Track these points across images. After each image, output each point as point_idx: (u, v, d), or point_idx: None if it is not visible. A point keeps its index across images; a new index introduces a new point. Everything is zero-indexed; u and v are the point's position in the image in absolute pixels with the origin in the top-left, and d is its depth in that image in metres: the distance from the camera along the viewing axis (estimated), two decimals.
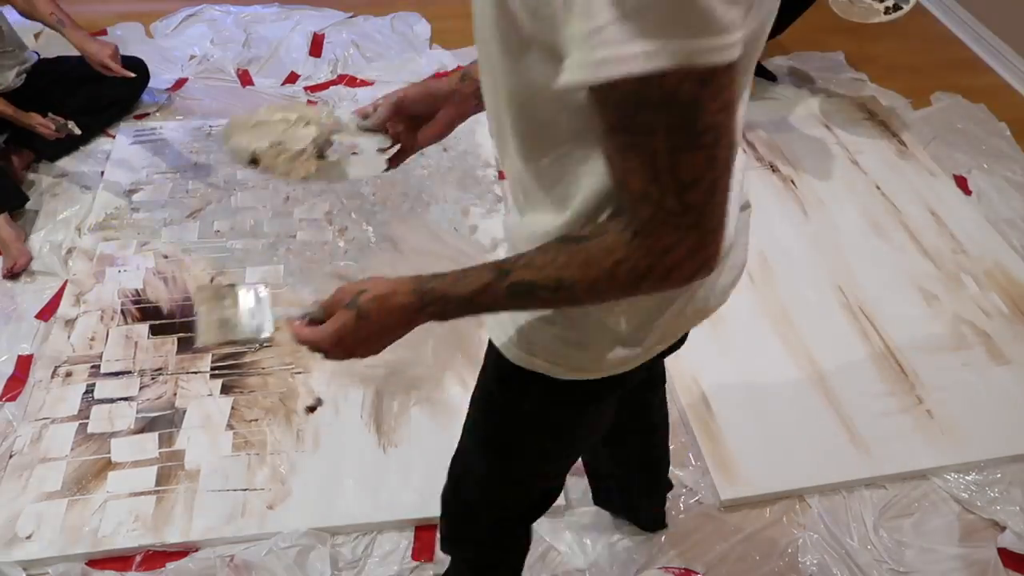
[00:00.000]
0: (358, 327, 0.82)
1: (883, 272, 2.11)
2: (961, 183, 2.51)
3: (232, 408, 1.70)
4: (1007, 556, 1.55)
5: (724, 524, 1.59)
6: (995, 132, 2.74)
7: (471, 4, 0.72)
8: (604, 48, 0.53)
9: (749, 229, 0.91)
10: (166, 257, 2.04)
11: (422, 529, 1.52)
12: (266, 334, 0.94)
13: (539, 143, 0.72)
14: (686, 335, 0.96)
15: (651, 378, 1.39)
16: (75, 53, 2.16)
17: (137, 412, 1.68)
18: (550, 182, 0.74)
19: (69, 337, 1.82)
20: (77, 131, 2.17)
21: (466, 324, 1.86)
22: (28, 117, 2.10)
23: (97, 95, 2.38)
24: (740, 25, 0.55)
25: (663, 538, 1.55)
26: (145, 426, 1.66)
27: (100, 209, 2.17)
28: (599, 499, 1.57)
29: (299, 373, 1.78)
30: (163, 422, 1.66)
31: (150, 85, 2.66)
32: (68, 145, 2.33)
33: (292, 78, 2.79)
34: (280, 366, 1.79)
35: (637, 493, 1.53)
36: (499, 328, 0.88)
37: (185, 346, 1.82)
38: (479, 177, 2.33)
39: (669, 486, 1.57)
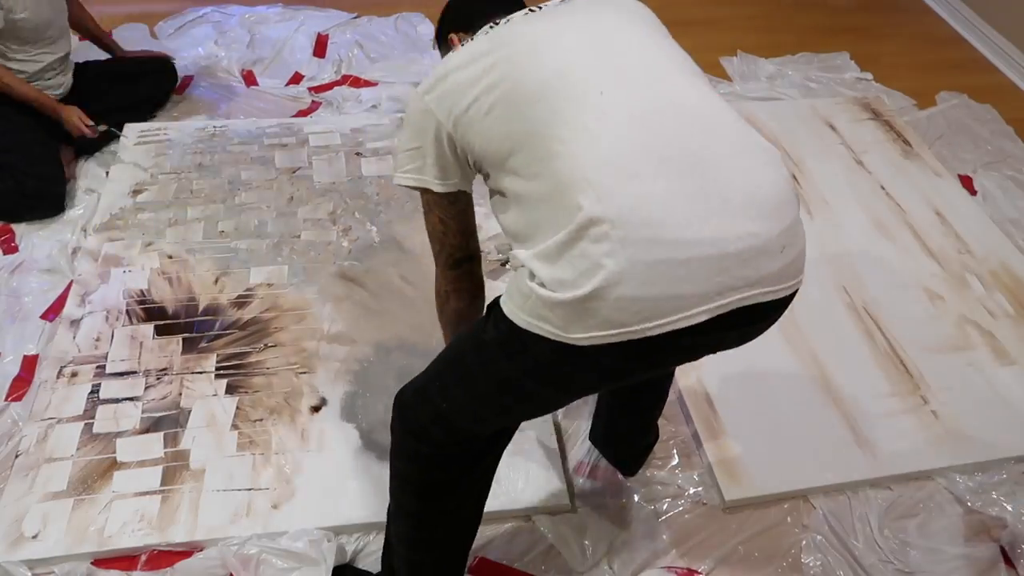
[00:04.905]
0: None
1: (888, 272, 2.11)
2: (966, 183, 2.50)
3: (237, 408, 1.70)
4: (1010, 556, 1.55)
5: (727, 524, 1.59)
6: (1000, 132, 2.74)
7: None
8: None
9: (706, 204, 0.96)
10: (171, 257, 2.05)
11: None
12: None
13: None
14: (685, 347, 1.01)
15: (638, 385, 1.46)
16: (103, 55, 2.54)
17: (142, 412, 1.68)
18: None
19: (74, 337, 1.83)
20: (116, 132, 2.38)
21: None
22: (67, 111, 2.23)
23: (131, 93, 2.49)
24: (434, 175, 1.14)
25: (665, 537, 1.55)
26: (150, 426, 1.66)
27: (105, 209, 2.18)
28: (591, 434, 1.68)
29: (303, 373, 1.78)
30: (168, 422, 1.67)
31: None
32: (100, 143, 2.38)
33: (296, 78, 2.79)
34: (285, 366, 1.80)
35: (619, 430, 1.63)
36: None
37: (190, 346, 1.83)
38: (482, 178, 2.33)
39: (653, 439, 1.66)
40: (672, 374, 1.57)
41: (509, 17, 1.12)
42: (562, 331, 0.95)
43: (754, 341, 1.10)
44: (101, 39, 2.55)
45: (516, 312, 0.99)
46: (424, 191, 1.17)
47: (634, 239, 0.92)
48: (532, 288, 0.97)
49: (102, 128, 2.31)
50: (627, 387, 1.51)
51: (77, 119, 2.23)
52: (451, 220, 1.19)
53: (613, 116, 0.98)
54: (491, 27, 1.11)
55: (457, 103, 1.07)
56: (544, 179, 0.99)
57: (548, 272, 0.96)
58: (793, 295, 1.05)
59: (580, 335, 0.94)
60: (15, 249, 2.07)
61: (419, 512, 1.22)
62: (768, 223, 0.97)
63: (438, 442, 1.13)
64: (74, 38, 2.45)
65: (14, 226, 2.14)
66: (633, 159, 0.95)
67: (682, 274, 0.93)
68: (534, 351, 0.99)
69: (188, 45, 2.91)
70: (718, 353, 1.11)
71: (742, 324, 1.01)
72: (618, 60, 1.04)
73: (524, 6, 1.19)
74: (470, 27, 1.17)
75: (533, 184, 1.00)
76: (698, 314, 0.94)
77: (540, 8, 1.14)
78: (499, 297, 1.05)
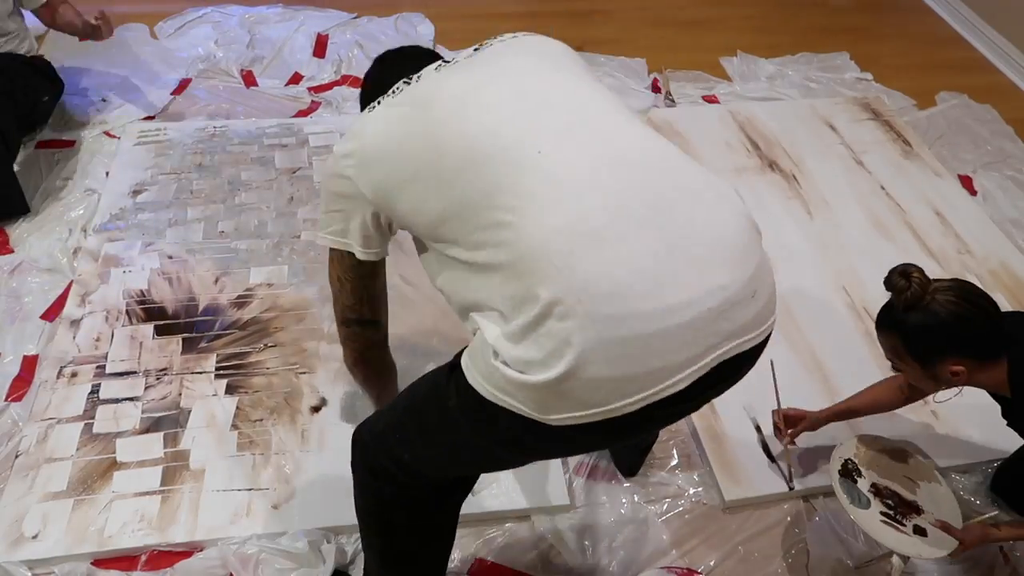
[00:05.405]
0: None
1: (888, 272, 2.11)
2: (966, 183, 2.50)
3: (237, 408, 1.70)
4: (1009, 556, 1.55)
5: (727, 525, 1.59)
6: (1000, 132, 2.74)
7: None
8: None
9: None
10: (171, 258, 2.04)
11: None
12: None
13: None
14: (662, 412, 0.95)
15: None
16: None
17: (142, 412, 1.68)
18: None
19: (74, 337, 1.83)
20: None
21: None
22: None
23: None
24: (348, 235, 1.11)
25: (665, 537, 1.55)
26: (150, 426, 1.66)
27: (105, 210, 2.17)
28: None
29: (303, 373, 1.78)
30: (168, 422, 1.67)
31: (155, 86, 2.68)
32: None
33: (296, 79, 2.79)
34: (284, 366, 1.80)
35: None
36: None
37: (190, 346, 1.83)
38: None
39: (653, 438, 1.64)
40: None
41: (420, 73, 1.06)
42: (536, 412, 0.89)
43: None
44: (85, 30, 2.38)
45: (481, 383, 0.93)
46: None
47: (601, 315, 0.86)
48: (496, 367, 0.91)
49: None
50: None
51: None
52: (348, 282, 1.16)
53: (559, 178, 0.91)
54: (405, 83, 1.05)
55: (378, 171, 1.02)
56: (492, 250, 0.92)
57: (512, 352, 0.89)
58: (768, 337, 1.01)
59: (556, 416, 0.89)
60: (10, 250, 2.07)
61: (384, 548, 1.22)
62: (736, 271, 0.93)
63: (401, 484, 1.10)
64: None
65: (15, 224, 2.13)
66: (589, 224, 0.89)
67: (657, 346, 0.88)
68: (504, 424, 0.93)
69: (188, 45, 2.91)
70: None
71: (723, 378, 0.97)
72: (548, 112, 0.97)
73: (436, 59, 1.13)
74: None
75: (479, 254, 0.94)
76: (678, 382, 0.90)
77: (450, 61, 1.08)
78: (460, 357, 0.99)
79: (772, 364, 1.64)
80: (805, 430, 1.62)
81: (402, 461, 1.08)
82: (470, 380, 0.95)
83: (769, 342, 1.03)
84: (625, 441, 1.16)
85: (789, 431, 1.62)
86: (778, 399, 1.65)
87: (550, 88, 1.01)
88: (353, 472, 1.17)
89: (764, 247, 1.01)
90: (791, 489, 1.63)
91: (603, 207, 0.90)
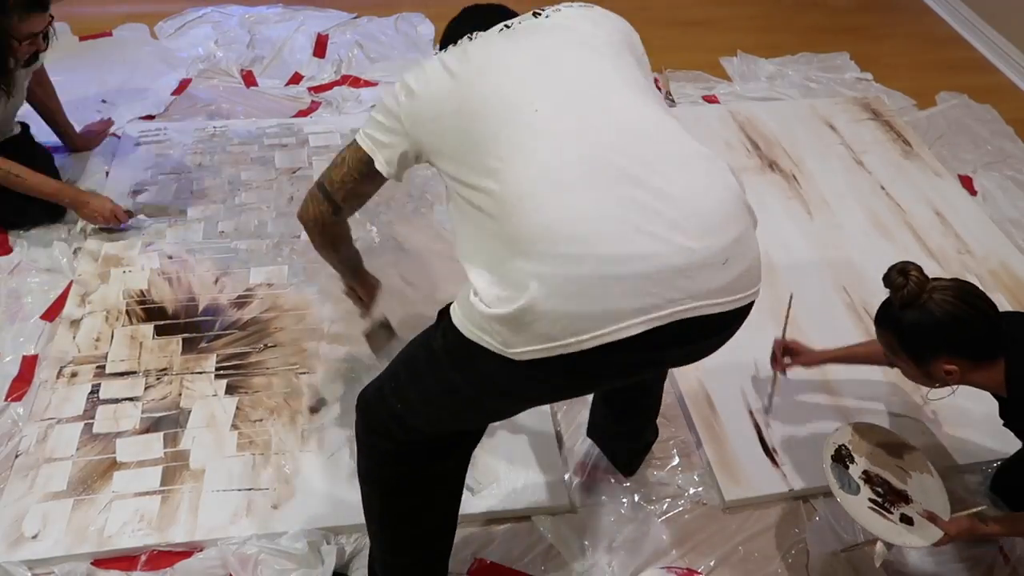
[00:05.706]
0: None
1: None
2: (966, 183, 2.50)
3: (237, 408, 1.70)
4: (1009, 556, 1.55)
5: (727, 525, 1.59)
6: (1000, 132, 2.74)
7: None
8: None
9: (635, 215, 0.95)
10: (171, 258, 2.04)
11: None
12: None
13: None
14: (647, 360, 1.01)
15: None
16: None
17: (142, 412, 1.68)
18: None
19: (74, 337, 1.83)
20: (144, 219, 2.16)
21: None
22: (97, 201, 2.05)
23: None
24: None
25: (665, 537, 1.55)
26: (150, 426, 1.66)
27: None
28: (589, 430, 1.69)
29: (303, 374, 1.78)
30: (168, 422, 1.67)
31: (154, 86, 2.68)
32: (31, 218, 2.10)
33: (296, 79, 2.79)
34: (284, 366, 1.80)
35: (616, 433, 1.64)
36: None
37: (190, 346, 1.83)
38: None
39: (652, 437, 1.66)
40: (664, 375, 1.57)
41: (480, 33, 1.15)
42: (503, 346, 0.96)
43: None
44: (61, 127, 2.33)
45: (464, 322, 1.01)
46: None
47: (561, 254, 0.93)
48: (473, 303, 0.98)
49: (139, 216, 2.14)
50: (618, 391, 1.51)
51: (111, 208, 2.05)
52: (345, 165, 1.23)
53: (547, 132, 0.99)
54: (468, 38, 1.14)
55: (416, 103, 1.12)
56: (483, 195, 1.01)
57: (486, 287, 0.98)
58: (745, 309, 1.03)
59: (517, 350, 0.95)
60: (10, 250, 2.07)
61: (384, 512, 1.23)
62: (708, 238, 0.96)
63: (397, 439, 1.14)
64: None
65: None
66: (565, 173, 0.96)
67: (614, 288, 0.92)
68: (480, 363, 1.00)
69: (188, 45, 2.91)
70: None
71: (688, 339, 1.00)
72: (562, 78, 1.06)
73: (511, 16, 1.20)
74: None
75: (475, 196, 1.03)
76: (632, 326, 0.93)
77: (510, 26, 1.14)
78: (451, 304, 1.06)
79: (791, 297, 1.67)
80: (801, 364, 1.69)
81: (396, 413, 1.12)
82: (455, 320, 1.02)
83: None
84: (590, 387, 1.24)
85: (786, 360, 1.67)
86: (784, 330, 1.67)
87: (574, 58, 1.09)
88: (356, 435, 1.20)
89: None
90: (766, 412, 1.71)
91: (579, 161, 0.97)
